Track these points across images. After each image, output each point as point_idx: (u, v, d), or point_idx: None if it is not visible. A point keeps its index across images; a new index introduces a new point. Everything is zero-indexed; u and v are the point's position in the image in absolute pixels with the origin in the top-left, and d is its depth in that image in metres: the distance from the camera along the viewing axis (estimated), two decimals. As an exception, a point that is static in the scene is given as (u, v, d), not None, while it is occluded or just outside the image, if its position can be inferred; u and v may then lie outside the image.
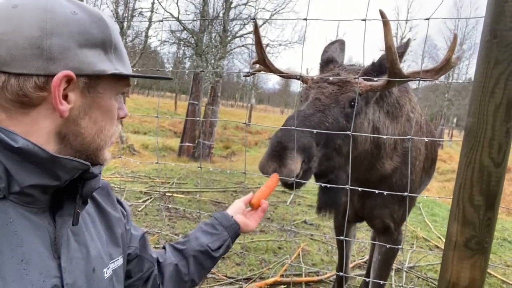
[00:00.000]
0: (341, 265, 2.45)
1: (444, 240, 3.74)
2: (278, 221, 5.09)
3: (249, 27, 12.35)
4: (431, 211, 6.21)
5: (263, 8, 11.90)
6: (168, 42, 12.53)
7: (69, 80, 0.66)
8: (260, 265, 3.66)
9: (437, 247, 4.57)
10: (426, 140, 1.93)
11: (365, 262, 3.84)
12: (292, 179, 1.38)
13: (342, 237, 1.72)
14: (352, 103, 1.56)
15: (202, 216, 4.97)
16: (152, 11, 12.60)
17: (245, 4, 11.86)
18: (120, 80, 0.75)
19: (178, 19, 11.19)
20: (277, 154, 1.40)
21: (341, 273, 2.12)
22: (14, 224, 0.63)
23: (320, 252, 4.10)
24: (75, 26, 0.65)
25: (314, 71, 1.96)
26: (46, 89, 0.64)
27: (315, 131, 1.41)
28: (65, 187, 0.69)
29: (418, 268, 3.87)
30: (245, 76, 2.12)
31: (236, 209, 1.25)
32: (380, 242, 2.04)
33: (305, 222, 5.08)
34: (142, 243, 1.02)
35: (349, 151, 1.52)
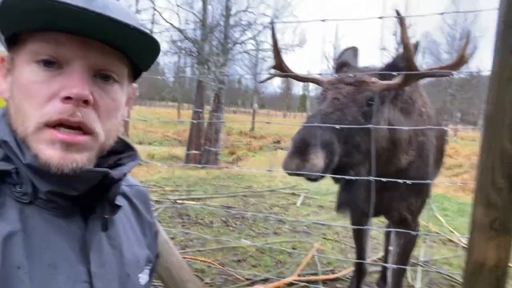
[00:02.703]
0: (358, 262, 2.51)
1: (456, 234, 3.79)
2: (290, 223, 5.14)
3: (249, 33, 12.48)
4: (441, 206, 6.25)
5: (263, 14, 12.02)
6: (170, 52, 12.67)
7: (4, 57, 0.63)
8: (276, 266, 3.72)
9: (450, 241, 4.62)
10: (449, 129, 1.99)
11: (379, 259, 3.89)
12: (316, 174, 1.45)
13: (367, 227, 1.78)
14: (370, 102, 1.64)
15: (215, 221, 5.05)
16: (152, 23, 12.76)
17: (244, 11, 12.00)
18: (32, 37, 0.58)
19: (179, 29, 11.33)
20: (300, 150, 1.48)
21: (364, 261, 2.18)
22: (41, 228, 0.61)
23: (334, 251, 4.15)
24: None
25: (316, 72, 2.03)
26: None
27: (338, 126, 1.49)
28: (93, 191, 0.66)
29: (433, 262, 3.92)
30: (261, 82, 2.18)
31: None
32: (398, 234, 2.10)
33: (316, 222, 5.14)
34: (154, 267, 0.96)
35: (368, 149, 1.59)
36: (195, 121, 10.89)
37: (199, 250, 3.91)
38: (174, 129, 21.27)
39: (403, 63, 1.49)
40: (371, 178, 1.53)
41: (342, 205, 1.84)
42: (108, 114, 0.63)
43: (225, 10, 12.10)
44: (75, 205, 0.66)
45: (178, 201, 5.99)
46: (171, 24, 11.27)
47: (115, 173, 0.66)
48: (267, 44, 12.79)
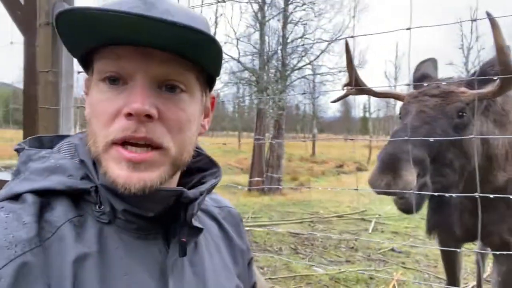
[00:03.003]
0: (453, 290, 2.27)
1: None
2: (363, 250, 4.88)
3: (306, 59, 12.57)
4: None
5: (320, 39, 12.08)
6: (230, 82, 13.15)
7: (85, 80, 0.65)
8: (354, 297, 3.50)
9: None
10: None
11: (470, 290, 3.50)
12: (409, 191, 1.34)
13: (477, 250, 1.59)
14: (460, 114, 1.51)
15: (283, 248, 4.94)
16: (213, 57, 13.39)
17: (301, 37, 12.17)
18: (98, 58, 0.59)
19: (238, 60, 11.76)
20: (390, 166, 1.37)
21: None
22: (120, 251, 0.59)
23: (416, 282, 3.82)
24: None
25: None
26: None
27: (432, 139, 1.37)
28: (171, 212, 0.62)
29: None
30: (334, 101, 2.15)
31: None
32: (499, 261, 1.87)
33: (393, 250, 4.81)
34: None
35: (461, 166, 1.45)
36: (273, 141, 11.03)
37: (270, 278, 3.82)
38: (235, 158, 21.72)
39: (499, 68, 1.35)
40: (477, 195, 1.37)
41: (432, 229, 1.68)
42: (179, 126, 0.59)
43: (281, 39, 12.39)
44: (156, 226, 0.63)
45: (245, 228, 5.99)
46: (231, 56, 11.73)
47: (191, 191, 0.62)
48: (326, 68, 12.77)
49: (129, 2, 0.56)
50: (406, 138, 1.36)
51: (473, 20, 1.25)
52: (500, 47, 1.29)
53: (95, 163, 0.60)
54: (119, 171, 0.56)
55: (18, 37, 1.95)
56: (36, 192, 0.57)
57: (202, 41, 0.55)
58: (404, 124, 1.51)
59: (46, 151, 0.64)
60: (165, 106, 0.57)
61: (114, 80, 0.57)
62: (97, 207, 0.60)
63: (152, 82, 0.57)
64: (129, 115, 0.54)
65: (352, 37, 1.43)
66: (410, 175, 1.33)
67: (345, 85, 1.81)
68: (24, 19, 1.83)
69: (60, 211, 0.57)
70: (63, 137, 0.70)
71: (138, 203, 0.59)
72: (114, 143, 0.56)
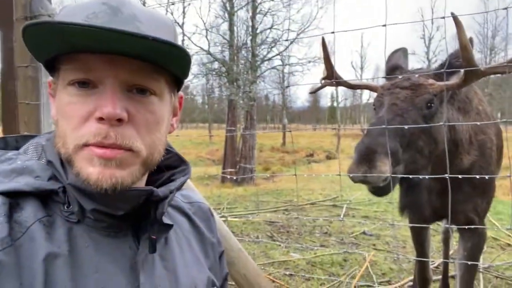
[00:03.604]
0: (422, 269, 2.45)
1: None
2: (336, 235, 5.07)
3: (276, 50, 12.66)
4: (495, 210, 5.97)
5: (288, 29, 12.19)
6: (200, 74, 13.03)
7: (50, 81, 0.66)
8: (330, 279, 3.66)
9: (509, 245, 4.39)
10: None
11: (436, 267, 3.76)
12: (386, 176, 1.45)
13: (447, 225, 1.73)
14: (429, 104, 1.64)
15: (260, 236, 5.06)
16: (182, 47, 13.18)
17: (270, 28, 12.22)
18: (65, 61, 0.59)
19: (208, 52, 11.67)
20: (366, 158, 1.49)
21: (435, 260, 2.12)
22: (90, 249, 0.60)
23: (387, 261, 4.05)
24: None
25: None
26: None
27: (406, 126, 1.49)
28: (140, 210, 0.63)
29: (494, 268, 3.73)
30: (312, 92, 2.23)
31: None
32: (464, 238, 2.04)
33: (364, 233, 5.04)
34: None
35: (430, 152, 1.58)
36: (245, 133, 11.06)
37: (249, 266, 3.92)
38: (206, 150, 21.63)
39: (463, 63, 1.48)
40: (447, 176, 1.51)
41: (404, 209, 1.82)
42: (148, 129, 0.61)
43: (251, 30, 12.39)
44: (125, 223, 0.64)
45: (221, 218, 6.06)
46: (200, 47, 11.62)
47: (160, 190, 0.63)
48: (295, 59, 12.93)
49: (94, 6, 0.57)
50: (383, 126, 1.47)
51: (442, 18, 1.36)
52: (464, 45, 1.42)
53: (63, 164, 0.61)
54: (91, 168, 0.56)
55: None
56: (4, 194, 0.57)
57: (172, 52, 0.57)
58: (379, 117, 1.62)
59: (12, 153, 0.65)
60: (135, 109, 0.59)
61: (84, 83, 0.58)
62: (65, 207, 0.61)
63: (121, 86, 0.58)
64: (100, 119, 0.56)
65: (332, 32, 1.51)
66: (384, 166, 1.46)
67: (323, 78, 1.90)
68: (0, 13, 1.78)
69: (29, 212, 0.58)
70: (27, 137, 0.71)
71: (107, 202, 0.59)
72: (85, 145, 0.57)
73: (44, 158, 0.65)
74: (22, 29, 0.53)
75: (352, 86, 1.91)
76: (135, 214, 0.64)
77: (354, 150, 1.55)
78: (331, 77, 1.86)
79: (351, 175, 1.53)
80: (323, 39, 1.74)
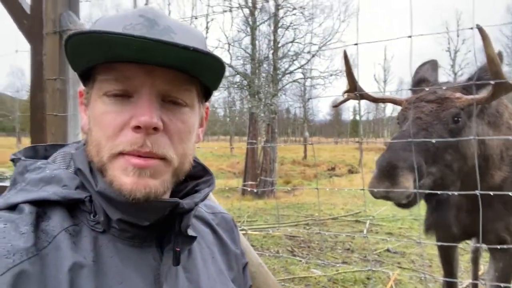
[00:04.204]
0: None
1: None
2: (359, 251, 4.94)
3: (297, 63, 12.70)
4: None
5: (310, 43, 12.21)
6: (222, 87, 13.18)
7: (82, 91, 0.67)
8: (352, 297, 3.56)
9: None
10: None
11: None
12: (410, 192, 1.40)
13: (476, 245, 1.66)
14: (456, 119, 1.58)
15: (281, 250, 4.99)
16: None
17: (292, 42, 12.28)
18: (102, 72, 0.60)
19: (230, 65, 11.81)
20: (387, 174, 1.44)
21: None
22: (114, 259, 0.60)
23: (412, 281, 3.90)
24: None
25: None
26: None
27: (434, 140, 1.44)
28: (165, 221, 0.64)
29: (528, 292, 3.53)
30: (335, 106, 2.22)
31: None
32: (495, 258, 1.94)
33: (388, 250, 4.89)
34: None
35: (459, 167, 1.52)
36: (266, 145, 11.07)
37: (269, 281, 3.86)
38: (227, 162, 21.71)
39: (491, 77, 1.43)
40: (477, 192, 1.44)
41: (430, 228, 1.74)
42: (180, 138, 0.62)
43: (272, 43, 12.50)
44: (150, 234, 0.64)
45: (241, 231, 6.01)
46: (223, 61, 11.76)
47: (186, 202, 0.63)
48: (317, 72, 12.92)
49: (132, 18, 0.59)
50: (409, 139, 1.42)
51: (471, 28, 1.32)
52: (490, 58, 1.37)
53: (92, 172, 0.62)
54: (125, 178, 0.58)
55: (22, 46, 1.98)
56: (32, 202, 0.58)
57: (210, 63, 0.58)
58: (402, 131, 1.58)
59: (42, 162, 0.66)
60: (168, 118, 0.60)
61: (119, 94, 0.59)
62: (91, 216, 0.61)
63: (157, 96, 0.59)
64: (137, 128, 0.57)
65: (355, 44, 1.49)
66: (407, 182, 1.40)
67: (346, 91, 1.87)
68: (30, 28, 1.85)
69: (56, 221, 0.59)
70: (57, 146, 0.73)
71: (134, 213, 0.60)
72: (121, 153, 0.58)
73: (72, 167, 0.66)
74: (67, 37, 0.55)
75: (375, 100, 1.88)
76: (159, 225, 0.64)
77: (375, 164, 1.50)
78: (354, 90, 1.83)
79: (374, 190, 1.48)
80: (345, 52, 1.72)
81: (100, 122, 0.60)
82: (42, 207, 0.59)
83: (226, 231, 0.83)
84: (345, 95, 1.92)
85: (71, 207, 0.62)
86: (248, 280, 0.87)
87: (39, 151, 0.72)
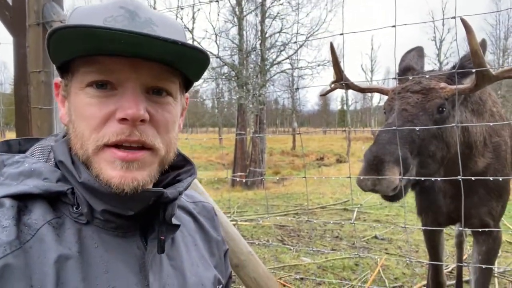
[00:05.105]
0: (436, 273, 2.40)
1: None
2: (348, 239, 5.03)
3: (285, 54, 12.67)
4: (510, 213, 5.85)
5: (298, 33, 12.19)
6: (210, 78, 13.10)
7: (58, 82, 0.66)
8: (341, 283, 3.63)
9: (526, 250, 4.29)
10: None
11: (450, 272, 3.69)
12: (398, 184, 1.44)
13: (460, 228, 1.70)
14: (440, 109, 1.61)
15: (271, 240, 5.04)
16: (192, 52, 13.24)
17: (279, 32, 12.24)
18: (85, 63, 0.59)
19: (218, 56, 11.73)
20: (375, 167, 1.47)
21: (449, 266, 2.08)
22: (99, 249, 0.61)
23: (399, 266, 3.99)
24: None
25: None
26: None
27: (417, 128, 1.47)
28: (149, 210, 0.64)
29: (510, 273, 3.65)
30: (323, 95, 2.24)
31: None
32: (479, 241, 2.00)
33: (376, 237, 4.98)
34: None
35: (442, 156, 1.55)
36: (255, 136, 11.09)
37: (260, 270, 3.90)
38: (216, 154, 21.68)
39: (474, 68, 1.46)
40: (459, 177, 1.48)
41: (422, 210, 1.79)
42: (166, 128, 0.63)
43: (260, 34, 12.44)
44: (134, 224, 0.65)
45: (231, 222, 6.05)
46: (210, 52, 11.67)
47: (170, 192, 0.64)
48: (305, 62, 12.91)
49: (112, 10, 0.58)
50: (392, 128, 1.45)
51: (453, 18, 1.34)
52: (474, 51, 1.40)
53: (74, 163, 0.62)
54: (112, 171, 0.58)
55: (5, 38, 1.94)
56: (13, 196, 0.58)
57: (196, 57, 0.59)
58: (388, 123, 1.60)
59: (20, 156, 0.65)
60: (154, 109, 0.61)
61: (102, 85, 0.59)
62: (74, 208, 0.61)
63: (141, 88, 0.60)
64: (122, 120, 0.57)
65: (341, 34, 1.50)
66: (393, 175, 1.43)
67: (333, 82, 1.89)
68: (13, 20, 1.81)
69: (38, 214, 0.58)
70: (31, 140, 0.72)
71: (119, 203, 0.60)
72: (106, 145, 0.58)
73: (52, 160, 0.65)
74: (50, 32, 0.54)
75: (362, 90, 1.89)
76: (143, 215, 0.65)
77: (363, 158, 1.53)
78: (341, 80, 1.85)
79: (362, 183, 1.51)
80: (331, 44, 1.73)
81: (83, 114, 0.59)
82: (23, 201, 0.59)
83: (207, 219, 0.85)
84: (332, 85, 1.94)
85: (52, 200, 0.61)
86: (228, 267, 0.89)
87: (13, 146, 0.71)
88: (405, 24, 1.35)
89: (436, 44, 21.31)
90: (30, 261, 0.54)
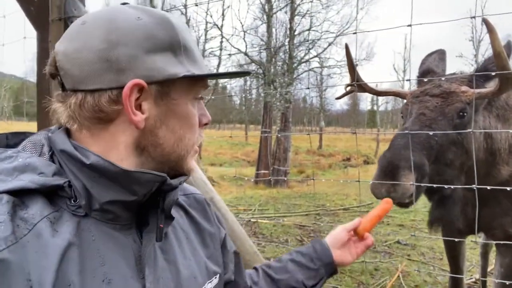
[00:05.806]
0: (455, 285, 2.30)
1: None
2: (369, 243, 4.92)
3: (314, 52, 12.53)
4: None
5: (327, 31, 12.01)
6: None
7: (140, 89, 0.63)
8: (358, 288, 3.55)
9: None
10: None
11: (474, 282, 3.53)
12: (410, 194, 1.38)
13: (482, 241, 1.62)
14: (461, 114, 1.53)
15: (289, 239, 5.01)
16: (221, 49, 13.38)
17: (308, 30, 12.11)
18: (195, 83, 0.70)
19: (245, 53, 11.76)
20: (389, 174, 1.41)
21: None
22: (97, 242, 0.61)
23: (421, 273, 3.86)
24: (140, 32, 0.62)
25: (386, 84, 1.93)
26: (120, 102, 0.62)
27: (431, 133, 1.40)
28: (148, 201, 0.66)
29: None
30: (338, 98, 2.18)
31: (336, 241, 1.04)
32: (502, 253, 1.90)
33: (398, 242, 4.85)
34: (238, 266, 0.94)
35: (462, 163, 1.47)
36: (279, 135, 11.07)
37: (276, 270, 3.88)
38: (242, 150, 21.79)
39: (497, 71, 1.37)
40: (474, 186, 1.40)
41: (433, 223, 1.71)
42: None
43: (289, 31, 12.34)
44: (131, 216, 0.66)
45: (251, 220, 6.06)
46: (238, 49, 11.73)
47: (173, 180, 0.68)
48: (332, 61, 12.74)
49: (186, 31, 0.70)
50: (405, 132, 1.39)
51: (473, 17, 1.26)
52: (497, 52, 1.31)
53: (77, 149, 0.63)
54: (193, 163, 0.73)
55: (31, 32, 2.01)
56: (9, 192, 0.58)
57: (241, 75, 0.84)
58: (404, 127, 1.54)
59: (12, 150, 0.64)
60: None
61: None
62: (71, 201, 0.62)
63: None
64: (205, 124, 0.75)
65: (354, 33, 1.46)
66: (409, 182, 1.37)
67: (348, 85, 1.83)
68: (37, 15, 1.87)
69: (35, 209, 0.59)
70: (19, 134, 0.71)
71: (124, 185, 0.63)
72: None
73: (46, 154, 0.65)
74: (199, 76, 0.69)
75: (379, 93, 1.83)
76: (141, 207, 0.67)
77: (377, 164, 1.48)
78: (356, 82, 1.79)
79: (375, 190, 1.46)
80: (346, 45, 1.68)
81: (189, 122, 0.70)
82: (19, 196, 0.59)
83: (199, 211, 0.87)
84: (347, 88, 1.89)
85: (48, 194, 0.61)
86: (228, 251, 0.92)
87: (0, 140, 0.70)
88: (421, 24, 1.29)
89: (473, 45, 20.41)
90: (28, 255, 0.54)
